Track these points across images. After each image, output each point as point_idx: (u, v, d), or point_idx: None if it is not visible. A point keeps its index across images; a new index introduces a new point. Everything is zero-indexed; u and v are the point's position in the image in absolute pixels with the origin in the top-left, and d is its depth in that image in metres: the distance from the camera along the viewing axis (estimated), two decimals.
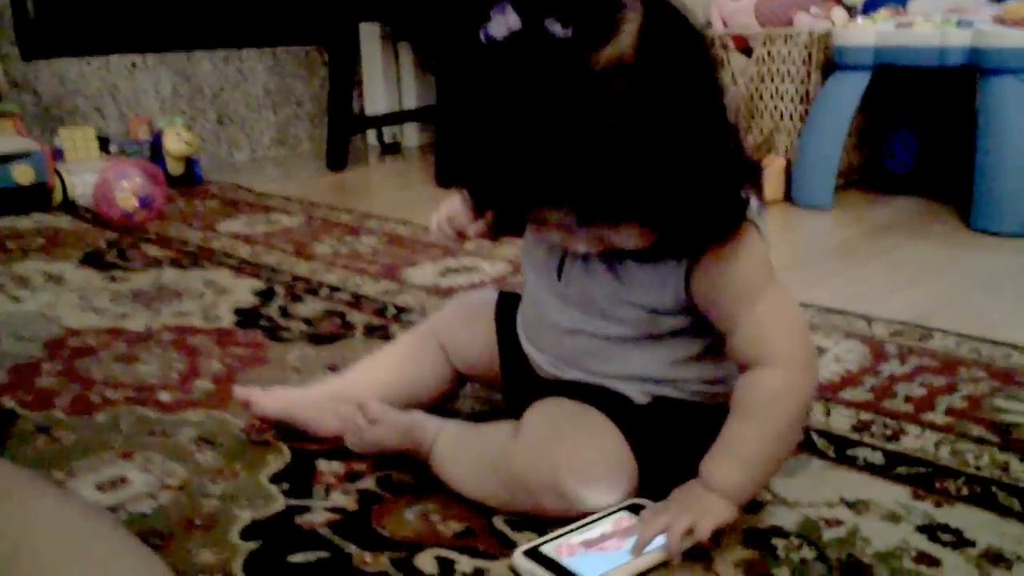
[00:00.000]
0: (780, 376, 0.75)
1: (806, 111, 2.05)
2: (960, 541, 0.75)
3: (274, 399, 0.92)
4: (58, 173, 2.14)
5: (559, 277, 0.82)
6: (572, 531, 0.75)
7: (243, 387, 0.93)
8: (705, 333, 0.80)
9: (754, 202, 0.75)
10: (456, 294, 1.08)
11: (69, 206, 2.13)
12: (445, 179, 0.81)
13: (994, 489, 0.83)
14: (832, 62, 1.99)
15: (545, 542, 0.74)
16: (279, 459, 0.91)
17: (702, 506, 0.74)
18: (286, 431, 0.94)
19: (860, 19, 2.01)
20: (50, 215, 2.06)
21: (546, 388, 0.84)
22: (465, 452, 0.83)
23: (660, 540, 0.72)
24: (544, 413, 0.81)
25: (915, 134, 2.18)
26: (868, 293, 1.42)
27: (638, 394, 0.82)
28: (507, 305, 0.96)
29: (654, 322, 0.79)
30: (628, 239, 0.72)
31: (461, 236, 0.90)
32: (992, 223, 1.75)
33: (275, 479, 0.87)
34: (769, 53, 2.10)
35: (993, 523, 0.78)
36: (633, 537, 0.73)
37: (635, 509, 0.78)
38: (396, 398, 0.94)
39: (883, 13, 1.99)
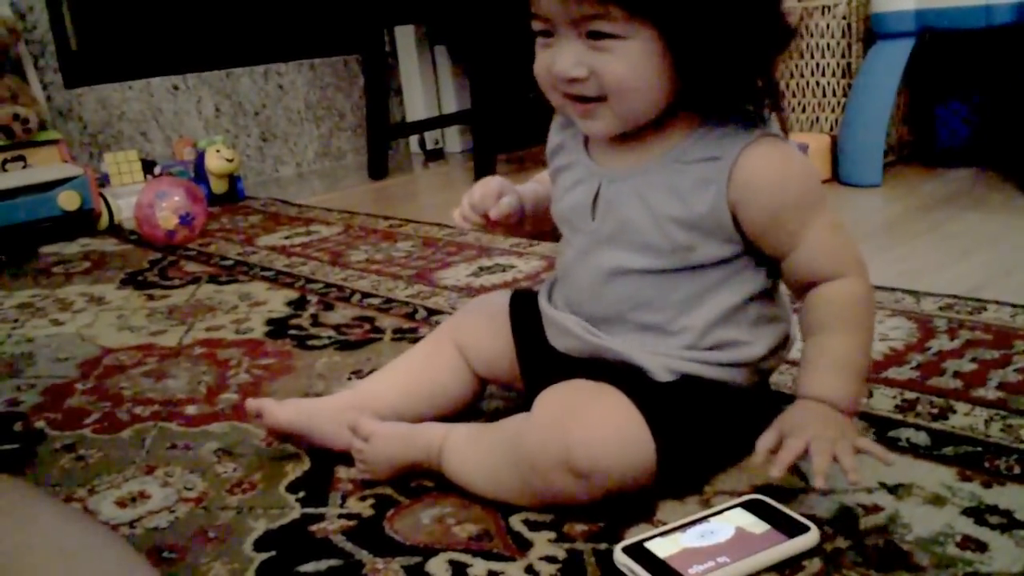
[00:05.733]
0: (861, 283, 0.76)
1: (849, 85, 1.98)
2: (1010, 523, 0.70)
3: (286, 410, 0.89)
4: (104, 198, 2.17)
5: (593, 217, 0.80)
6: (680, 527, 0.71)
7: (255, 399, 0.91)
8: (745, 280, 0.79)
9: (776, 127, 0.77)
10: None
11: (116, 230, 2.16)
12: None
13: None
14: (873, 32, 1.91)
15: (650, 538, 0.69)
16: (299, 468, 0.89)
17: (842, 428, 0.72)
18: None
19: None
20: (96, 239, 2.09)
21: (566, 374, 0.81)
22: (476, 447, 0.80)
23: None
24: (558, 392, 0.77)
25: (968, 103, 2.09)
26: (918, 268, 1.35)
27: (660, 369, 0.78)
28: (521, 302, 0.93)
29: (690, 247, 0.76)
30: (620, 61, 0.71)
31: (487, 220, 0.88)
32: None
33: (292, 488, 0.85)
34: (807, 28, 2.03)
35: None
36: (757, 552, 0.68)
37: (753, 507, 0.73)
38: (415, 404, 0.91)
39: None
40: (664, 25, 0.69)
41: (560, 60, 0.73)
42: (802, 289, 0.78)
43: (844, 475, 0.69)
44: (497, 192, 0.87)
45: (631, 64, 0.71)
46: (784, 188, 0.75)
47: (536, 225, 0.90)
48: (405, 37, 2.97)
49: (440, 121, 2.84)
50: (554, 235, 0.90)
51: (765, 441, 0.72)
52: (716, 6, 0.69)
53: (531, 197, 0.90)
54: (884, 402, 0.91)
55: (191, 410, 1.06)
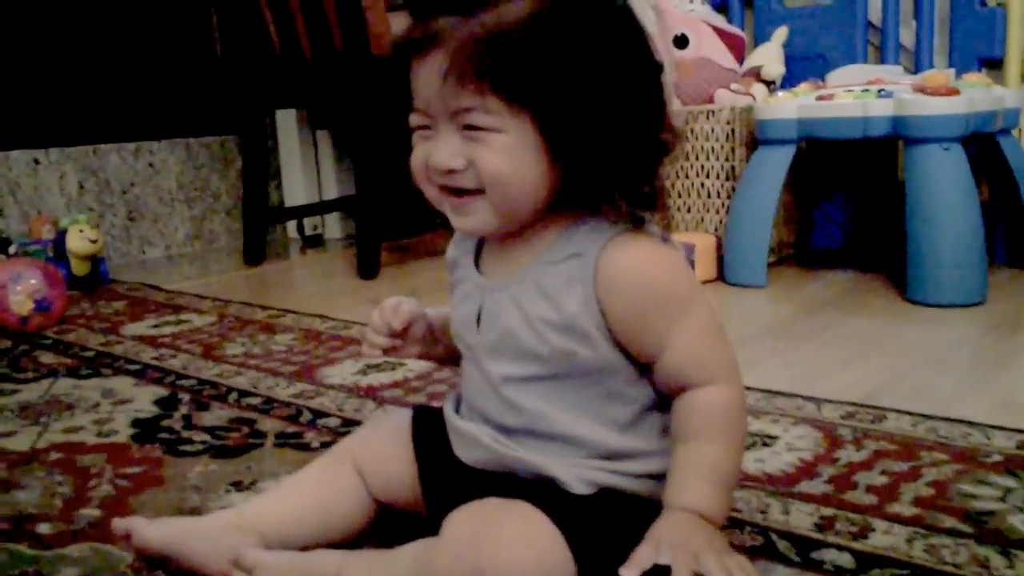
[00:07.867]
0: (732, 391, 0.73)
1: (733, 188, 2.02)
2: None
3: (159, 530, 0.79)
4: None
5: (478, 329, 0.77)
6: None
7: (122, 519, 0.80)
8: (644, 388, 0.75)
9: (657, 229, 0.74)
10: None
11: None
12: None
13: None
14: (756, 138, 1.97)
15: None
16: None
17: (706, 541, 0.68)
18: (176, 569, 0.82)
19: (780, 93, 2.00)
20: None
21: (474, 493, 0.75)
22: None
23: None
24: (468, 511, 0.71)
25: (844, 207, 2.17)
26: (810, 373, 1.35)
27: (576, 481, 0.73)
28: (423, 419, 0.87)
29: (571, 351, 0.73)
30: (498, 151, 0.69)
31: (393, 336, 0.85)
32: (927, 295, 1.71)
33: None
34: (692, 131, 2.08)
35: None
36: None
37: None
38: (304, 529, 0.83)
39: (803, 87, 1.98)
40: (541, 116, 0.68)
41: (437, 152, 0.71)
42: (673, 395, 0.75)
43: None
44: (395, 304, 0.85)
45: (508, 154, 0.69)
46: (647, 287, 0.72)
47: (450, 347, 0.86)
48: (286, 120, 2.90)
49: (321, 207, 2.76)
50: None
51: (642, 559, 0.67)
52: (593, 102, 0.68)
53: (441, 317, 0.87)
54: (803, 519, 0.88)
55: (44, 528, 0.93)
